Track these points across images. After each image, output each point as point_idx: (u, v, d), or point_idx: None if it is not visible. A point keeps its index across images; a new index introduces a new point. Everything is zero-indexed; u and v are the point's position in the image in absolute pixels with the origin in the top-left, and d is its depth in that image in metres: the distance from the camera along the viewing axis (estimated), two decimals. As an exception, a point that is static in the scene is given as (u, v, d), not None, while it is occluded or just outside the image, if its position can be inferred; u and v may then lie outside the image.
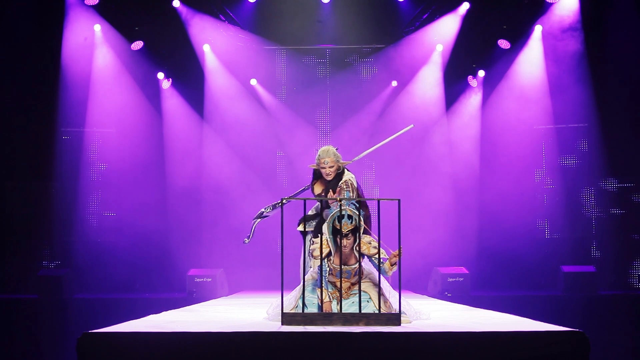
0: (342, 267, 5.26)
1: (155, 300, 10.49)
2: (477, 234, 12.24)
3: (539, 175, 12.45)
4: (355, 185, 6.21)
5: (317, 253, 5.32)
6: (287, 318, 4.99)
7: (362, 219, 5.39)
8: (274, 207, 6.53)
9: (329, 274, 5.40)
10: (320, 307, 5.20)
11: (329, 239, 5.33)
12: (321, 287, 5.22)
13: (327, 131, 12.67)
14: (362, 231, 5.34)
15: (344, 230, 5.24)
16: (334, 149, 6.26)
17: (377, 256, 5.33)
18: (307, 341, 4.41)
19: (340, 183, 6.18)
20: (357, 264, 5.27)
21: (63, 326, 10.23)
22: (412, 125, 7.07)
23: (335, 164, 6.19)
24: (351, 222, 5.25)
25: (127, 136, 12.24)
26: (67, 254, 11.89)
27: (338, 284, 5.27)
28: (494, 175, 12.28)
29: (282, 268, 5.07)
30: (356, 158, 6.94)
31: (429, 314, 5.76)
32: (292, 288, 5.71)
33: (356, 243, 5.29)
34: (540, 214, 12.36)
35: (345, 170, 6.32)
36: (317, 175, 6.38)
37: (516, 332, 4.51)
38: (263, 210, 6.54)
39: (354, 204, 5.43)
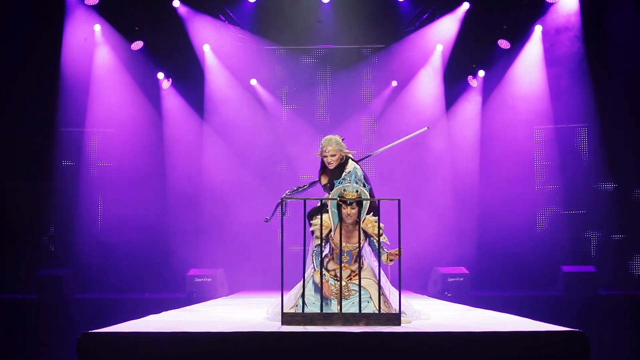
0: (344, 245, 5.26)
1: (155, 300, 10.49)
2: (477, 234, 12.23)
3: (538, 175, 12.45)
4: (361, 177, 6.16)
5: (318, 234, 5.30)
6: (287, 318, 4.99)
7: (367, 193, 5.40)
8: (298, 190, 6.47)
9: (328, 261, 5.38)
10: (319, 288, 5.16)
11: (331, 214, 5.33)
12: (321, 269, 5.21)
13: (327, 131, 12.64)
14: (368, 207, 5.35)
15: (349, 196, 5.24)
16: (338, 138, 6.17)
17: (380, 237, 5.33)
18: (307, 341, 4.41)
19: (344, 175, 6.14)
20: (358, 244, 5.26)
21: (63, 326, 10.23)
22: (426, 128, 7.02)
23: (337, 152, 6.11)
24: (356, 192, 5.27)
25: (127, 136, 12.24)
26: (67, 254, 11.89)
27: (338, 271, 5.25)
28: (494, 175, 12.27)
29: (282, 268, 5.07)
30: (372, 154, 6.90)
31: (429, 314, 5.76)
32: (292, 287, 5.70)
33: (361, 219, 5.28)
34: (540, 214, 12.36)
35: (350, 160, 6.26)
36: (324, 166, 6.33)
37: (516, 332, 4.51)
38: (287, 193, 6.48)
39: (362, 181, 5.44)
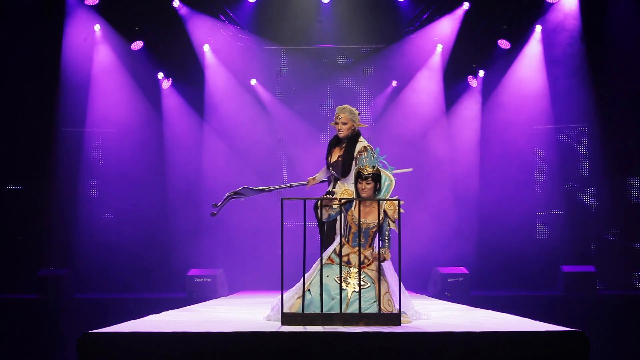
0: (362, 221, 5.26)
1: (155, 300, 10.48)
2: (477, 234, 12.23)
3: (538, 175, 12.45)
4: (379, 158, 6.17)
5: (339, 197, 5.30)
6: (287, 318, 4.98)
7: (390, 174, 5.42)
8: (261, 190, 6.50)
9: (342, 247, 5.36)
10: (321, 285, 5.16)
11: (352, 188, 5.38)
12: (321, 254, 5.22)
13: (327, 131, 12.65)
14: (385, 187, 5.39)
15: (365, 172, 5.29)
16: (354, 109, 6.21)
17: (393, 218, 5.33)
18: (307, 341, 4.41)
19: (357, 153, 6.14)
20: (376, 222, 5.27)
21: (63, 326, 10.22)
22: (411, 169, 6.96)
23: (349, 121, 6.15)
24: (373, 168, 5.33)
25: (127, 136, 12.25)
26: (66, 254, 11.88)
27: (351, 257, 5.25)
28: (494, 175, 12.27)
29: (282, 268, 5.07)
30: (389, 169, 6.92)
31: (429, 314, 5.75)
32: (295, 283, 5.67)
33: (377, 194, 5.35)
34: (539, 214, 12.35)
35: (361, 136, 6.27)
36: (333, 143, 6.34)
37: (516, 332, 4.51)
38: (240, 190, 6.50)
39: (381, 162, 5.47)
